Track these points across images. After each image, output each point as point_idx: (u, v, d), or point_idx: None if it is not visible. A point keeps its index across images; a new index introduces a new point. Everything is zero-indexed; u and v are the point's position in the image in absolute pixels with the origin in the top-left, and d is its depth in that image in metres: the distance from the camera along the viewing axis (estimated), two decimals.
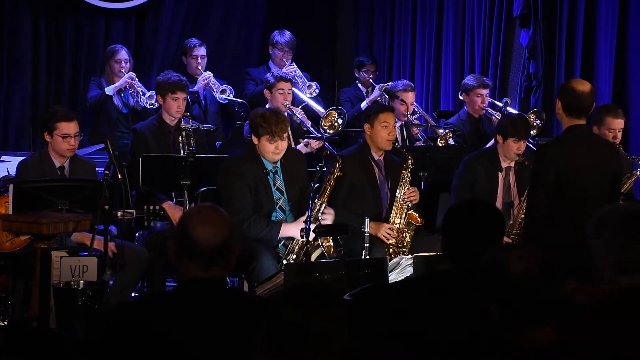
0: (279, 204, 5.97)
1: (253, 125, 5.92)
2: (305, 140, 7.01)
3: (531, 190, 5.17)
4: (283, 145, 5.89)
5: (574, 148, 5.01)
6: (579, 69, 8.10)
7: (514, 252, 2.77)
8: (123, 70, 7.78)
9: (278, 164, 5.98)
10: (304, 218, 5.63)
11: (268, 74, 7.58)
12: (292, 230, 5.79)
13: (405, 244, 6.19)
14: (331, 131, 7.13)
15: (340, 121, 7.15)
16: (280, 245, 5.89)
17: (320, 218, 5.82)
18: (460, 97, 8.00)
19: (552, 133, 7.84)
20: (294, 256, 5.78)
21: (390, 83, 8.17)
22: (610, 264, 2.85)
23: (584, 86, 5.05)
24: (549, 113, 7.60)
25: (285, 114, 7.22)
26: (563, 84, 5.91)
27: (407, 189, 6.24)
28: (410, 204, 6.22)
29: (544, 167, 5.01)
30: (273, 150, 5.87)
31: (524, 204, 5.94)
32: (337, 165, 6.02)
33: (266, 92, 7.30)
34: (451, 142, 7.53)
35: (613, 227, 2.88)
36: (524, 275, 2.69)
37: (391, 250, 6.13)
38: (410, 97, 7.71)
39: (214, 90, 7.92)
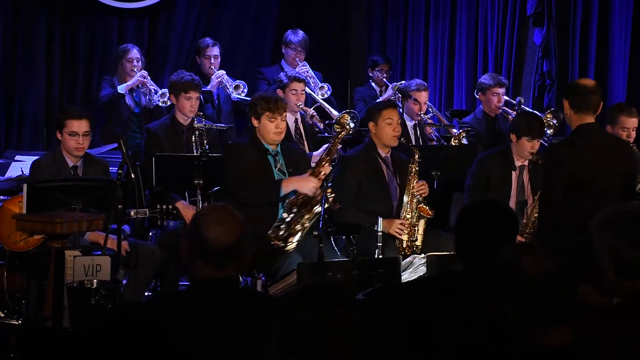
0: None
1: (253, 107, 5.99)
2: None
3: (544, 190, 5.15)
4: (282, 125, 5.95)
5: (586, 147, 4.99)
6: (593, 67, 8.07)
7: (528, 252, 2.76)
8: (135, 69, 7.78)
9: (278, 148, 6.02)
10: (307, 175, 5.76)
11: (281, 73, 7.54)
12: (294, 183, 5.82)
13: (417, 237, 6.17)
14: (343, 133, 7.11)
15: (352, 124, 7.13)
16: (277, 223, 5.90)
17: (323, 165, 5.86)
18: (476, 96, 7.97)
19: (566, 132, 7.81)
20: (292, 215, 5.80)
21: (403, 82, 8.15)
22: (619, 265, 2.83)
23: (588, 81, 5.24)
24: (563, 112, 7.57)
25: (298, 114, 7.23)
26: (568, 85, 5.94)
27: (416, 182, 6.22)
28: (420, 198, 6.21)
29: (557, 166, 5.00)
30: (274, 129, 5.92)
31: (538, 203, 5.92)
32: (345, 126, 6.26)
33: (279, 92, 7.28)
34: (464, 141, 7.50)
35: (623, 227, 2.86)
36: (538, 276, 2.68)
37: (404, 244, 6.11)
38: (423, 96, 7.68)
39: (228, 87, 7.91)
